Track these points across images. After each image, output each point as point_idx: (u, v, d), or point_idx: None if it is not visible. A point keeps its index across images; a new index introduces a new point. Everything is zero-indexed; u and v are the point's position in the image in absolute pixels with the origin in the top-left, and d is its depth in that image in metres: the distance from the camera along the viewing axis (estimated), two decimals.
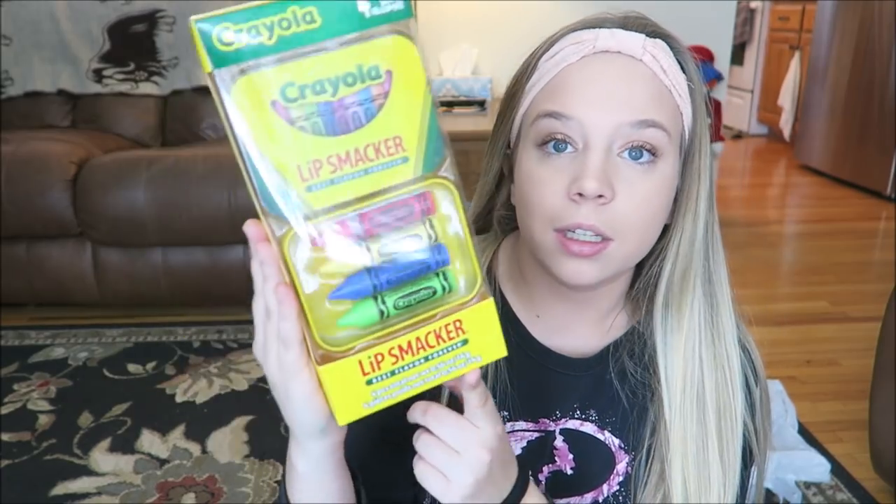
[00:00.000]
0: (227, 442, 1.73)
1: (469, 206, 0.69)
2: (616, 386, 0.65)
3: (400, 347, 0.44)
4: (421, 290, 0.43)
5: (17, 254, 2.28)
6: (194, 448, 1.71)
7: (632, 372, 0.64)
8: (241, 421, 1.81)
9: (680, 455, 0.60)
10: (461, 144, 1.80)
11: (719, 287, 0.62)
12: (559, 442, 0.66)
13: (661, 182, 0.57)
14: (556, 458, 0.67)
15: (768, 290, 2.66)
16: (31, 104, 2.72)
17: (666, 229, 0.61)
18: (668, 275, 0.61)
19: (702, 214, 0.60)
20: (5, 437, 1.75)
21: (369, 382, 0.44)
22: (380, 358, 0.43)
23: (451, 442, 0.48)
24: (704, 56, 3.16)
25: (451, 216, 0.43)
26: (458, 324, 0.44)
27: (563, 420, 0.66)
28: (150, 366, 2.08)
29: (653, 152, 0.56)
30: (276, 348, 0.44)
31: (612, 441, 0.66)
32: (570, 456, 0.66)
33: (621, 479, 0.66)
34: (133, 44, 2.71)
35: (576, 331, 0.66)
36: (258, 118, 0.38)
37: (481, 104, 2.87)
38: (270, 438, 1.73)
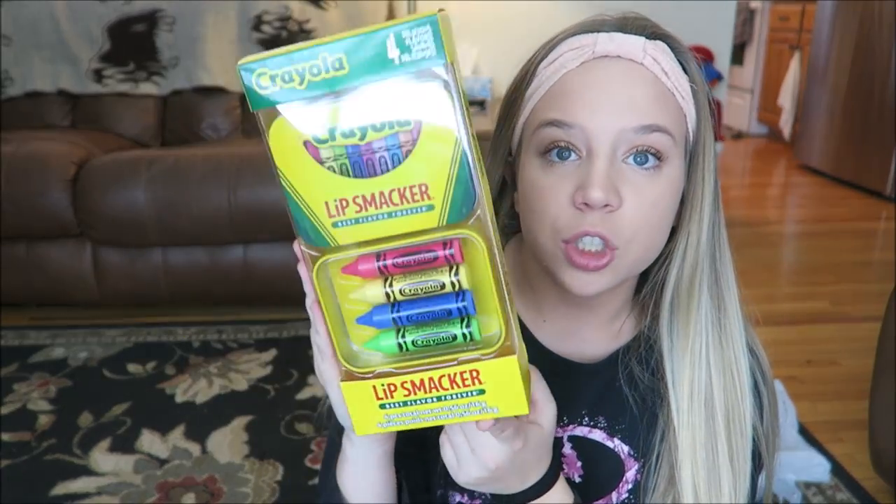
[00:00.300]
0: (227, 442, 1.73)
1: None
2: (626, 392, 0.64)
3: (412, 383, 0.45)
4: (441, 333, 0.45)
5: (17, 254, 2.27)
6: (194, 448, 1.71)
7: (640, 377, 0.63)
8: (240, 421, 1.81)
9: (690, 460, 0.59)
10: None
11: (726, 289, 0.61)
12: (567, 449, 0.66)
13: (668, 186, 0.56)
14: (564, 466, 0.66)
15: (768, 290, 2.65)
16: (31, 104, 2.72)
17: (672, 232, 0.60)
18: (674, 278, 0.60)
19: (707, 216, 0.59)
20: (5, 437, 1.75)
21: (382, 406, 0.47)
22: (392, 388, 0.46)
23: (469, 436, 0.50)
24: (704, 56, 3.16)
25: (478, 267, 0.43)
26: (474, 373, 0.45)
27: (571, 427, 0.66)
28: (149, 366, 2.07)
29: (658, 157, 0.55)
30: (317, 356, 0.50)
31: (622, 448, 0.65)
32: (579, 464, 0.66)
33: (630, 486, 0.65)
34: (133, 44, 2.71)
35: (583, 335, 0.66)
36: (293, 156, 0.41)
37: (481, 104, 2.87)
38: (270, 438, 1.73)
